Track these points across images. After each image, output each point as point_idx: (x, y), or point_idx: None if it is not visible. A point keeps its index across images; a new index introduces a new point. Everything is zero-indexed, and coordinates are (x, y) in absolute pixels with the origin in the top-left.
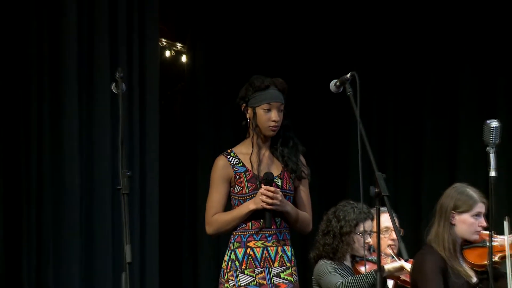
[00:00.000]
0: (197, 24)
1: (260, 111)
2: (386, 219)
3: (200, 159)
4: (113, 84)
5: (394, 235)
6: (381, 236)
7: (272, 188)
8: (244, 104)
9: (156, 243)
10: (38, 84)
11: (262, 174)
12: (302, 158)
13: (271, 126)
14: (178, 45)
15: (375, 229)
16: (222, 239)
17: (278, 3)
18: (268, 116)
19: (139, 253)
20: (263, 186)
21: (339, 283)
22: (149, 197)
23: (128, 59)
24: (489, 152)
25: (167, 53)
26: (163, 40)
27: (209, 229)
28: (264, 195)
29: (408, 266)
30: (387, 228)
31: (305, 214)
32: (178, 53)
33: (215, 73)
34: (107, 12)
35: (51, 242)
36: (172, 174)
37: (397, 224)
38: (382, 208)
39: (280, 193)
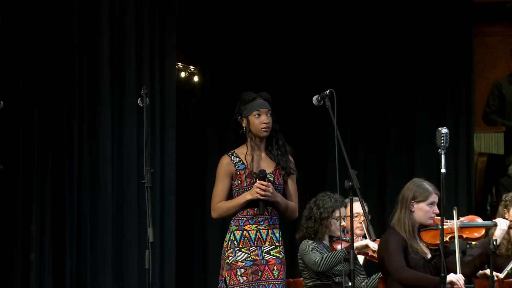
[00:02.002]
0: (206, 51)
1: (252, 118)
2: (356, 206)
3: (208, 158)
4: (139, 99)
5: (362, 219)
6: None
7: (264, 183)
8: (239, 116)
9: (173, 226)
10: (79, 99)
11: (257, 171)
12: (290, 157)
13: (263, 128)
14: (191, 67)
15: (347, 214)
16: (227, 223)
17: (269, 35)
18: (259, 120)
19: (159, 235)
20: (257, 181)
21: (317, 259)
22: (167, 189)
23: (151, 79)
24: (440, 153)
25: (182, 74)
26: (179, 63)
27: (214, 214)
28: (258, 188)
29: (371, 244)
30: (357, 214)
31: (293, 204)
32: (191, 74)
33: (221, 90)
34: (134, 42)
35: (88, 227)
36: (186, 171)
37: (366, 211)
38: (354, 198)
39: (272, 186)
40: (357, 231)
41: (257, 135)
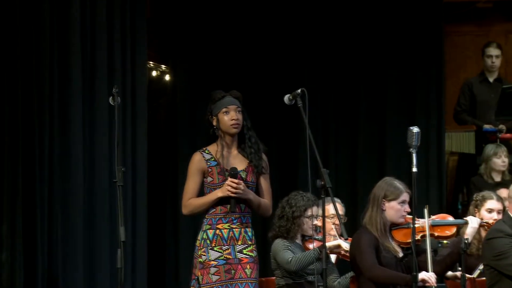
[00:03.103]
0: (177, 50)
1: (221, 115)
2: (332, 207)
3: (179, 157)
4: (110, 98)
5: (337, 221)
6: (328, 220)
7: (236, 180)
8: (210, 115)
9: (144, 225)
10: (49, 97)
11: (229, 168)
12: (264, 155)
13: (232, 124)
14: (163, 66)
15: (320, 213)
16: (198, 222)
17: (240, 34)
18: (228, 117)
19: (130, 233)
20: (228, 178)
21: (290, 258)
22: (139, 188)
23: (122, 78)
24: (412, 152)
25: (154, 73)
26: (150, 62)
27: (185, 210)
28: (229, 185)
29: (343, 244)
30: (334, 215)
31: (266, 201)
32: (162, 73)
33: (192, 89)
34: (106, 41)
35: (59, 226)
36: (157, 169)
37: (342, 211)
38: (327, 198)
39: (243, 184)
40: (332, 232)
41: (227, 132)
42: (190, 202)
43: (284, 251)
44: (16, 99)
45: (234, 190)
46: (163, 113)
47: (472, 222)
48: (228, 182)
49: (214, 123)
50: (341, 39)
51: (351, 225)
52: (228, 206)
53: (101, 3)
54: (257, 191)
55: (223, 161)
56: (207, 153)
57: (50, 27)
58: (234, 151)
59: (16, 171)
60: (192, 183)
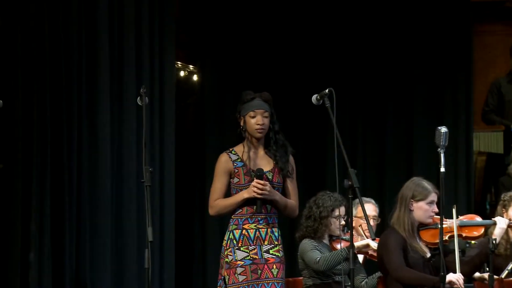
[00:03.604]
0: (206, 50)
1: (248, 118)
2: (367, 208)
3: (207, 158)
4: (138, 98)
5: (372, 222)
6: (362, 221)
7: (262, 181)
8: (239, 115)
9: (172, 225)
10: (78, 98)
11: (255, 169)
12: (291, 158)
13: (257, 129)
14: (191, 66)
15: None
16: (225, 222)
17: (268, 34)
18: (254, 121)
19: (158, 234)
20: (254, 179)
21: (318, 258)
22: (167, 188)
23: (150, 78)
24: (440, 152)
25: (182, 73)
26: (178, 62)
27: (212, 211)
28: (255, 186)
29: (372, 243)
30: (369, 216)
31: (292, 202)
32: (190, 73)
33: (220, 89)
34: (134, 41)
35: (88, 226)
36: (185, 169)
37: (376, 211)
38: (366, 199)
39: (269, 185)
40: (359, 231)
41: (252, 135)
42: (217, 203)
43: (312, 251)
44: (45, 99)
45: (260, 191)
46: (191, 113)
47: (500, 223)
48: (254, 183)
49: (242, 123)
50: (369, 39)
51: (379, 226)
52: (254, 207)
53: (130, 2)
54: (284, 192)
55: (249, 162)
56: (233, 154)
57: (78, 27)
58: (261, 152)
59: (45, 171)
60: (218, 184)
